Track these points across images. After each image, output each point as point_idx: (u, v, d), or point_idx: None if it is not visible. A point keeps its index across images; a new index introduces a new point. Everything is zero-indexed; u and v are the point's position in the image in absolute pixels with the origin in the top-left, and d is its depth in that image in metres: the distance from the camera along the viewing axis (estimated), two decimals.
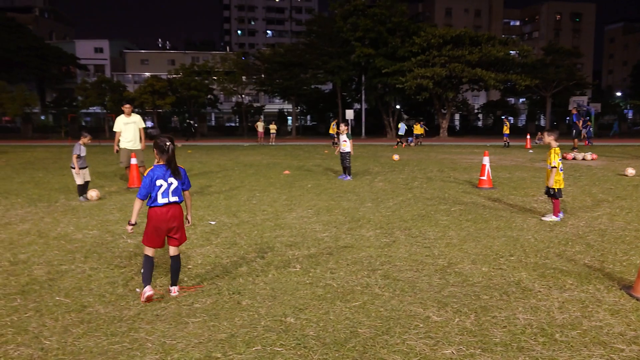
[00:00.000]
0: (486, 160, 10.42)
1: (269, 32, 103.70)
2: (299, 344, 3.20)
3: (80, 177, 8.86)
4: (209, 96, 57.29)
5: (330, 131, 30.62)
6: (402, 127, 30.52)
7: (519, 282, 4.39)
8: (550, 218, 7.08)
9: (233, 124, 72.49)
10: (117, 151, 10.92)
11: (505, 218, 7.20)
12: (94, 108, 59.14)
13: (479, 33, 44.48)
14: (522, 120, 75.98)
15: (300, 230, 6.48)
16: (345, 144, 11.96)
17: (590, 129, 25.10)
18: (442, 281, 4.44)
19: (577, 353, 3.07)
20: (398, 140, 29.90)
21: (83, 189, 8.99)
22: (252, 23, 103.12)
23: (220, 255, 5.32)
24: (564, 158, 17.64)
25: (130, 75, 76.77)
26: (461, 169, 14.60)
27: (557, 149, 6.94)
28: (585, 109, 41.45)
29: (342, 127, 12.10)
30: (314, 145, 32.30)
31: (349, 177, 12.05)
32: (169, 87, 52.31)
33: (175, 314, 3.74)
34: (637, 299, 3.94)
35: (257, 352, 3.10)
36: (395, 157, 18.78)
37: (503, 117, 26.21)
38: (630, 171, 12.51)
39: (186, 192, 4.17)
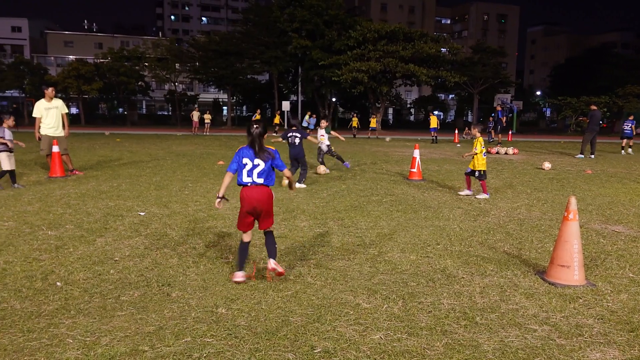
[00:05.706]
0: (417, 153, 10.78)
1: (204, 18, 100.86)
2: (230, 334, 3.18)
3: (8, 162, 8.67)
4: (139, 83, 55.06)
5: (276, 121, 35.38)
6: (311, 120, 31.42)
7: (444, 269, 4.60)
8: (482, 196, 8.39)
9: (166, 113, 70.14)
10: (40, 138, 10.24)
11: (433, 209, 7.50)
12: (11, 91, 55.12)
13: (412, 29, 45.75)
14: (451, 115, 79.29)
15: (233, 221, 6.40)
16: (323, 138, 12.04)
17: (491, 125, 26.53)
18: (373, 269, 4.56)
19: (495, 334, 3.27)
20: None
21: (13, 174, 8.84)
22: (187, 9, 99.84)
23: (149, 247, 5.15)
24: (488, 152, 18.70)
25: (52, 58, 72.14)
26: (393, 162, 15.01)
27: (481, 138, 8.38)
28: (508, 106, 43.92)
29: (323, 122, 12.11)
30: None
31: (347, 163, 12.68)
32: (96, 72, 49.66)
33: (100, 307, 3.58)
34: (550, 283, 4.25)
35: (186, 344, 3.04)
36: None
37: (432, 111, 27.27)
38: (547, 165, 13.44)
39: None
